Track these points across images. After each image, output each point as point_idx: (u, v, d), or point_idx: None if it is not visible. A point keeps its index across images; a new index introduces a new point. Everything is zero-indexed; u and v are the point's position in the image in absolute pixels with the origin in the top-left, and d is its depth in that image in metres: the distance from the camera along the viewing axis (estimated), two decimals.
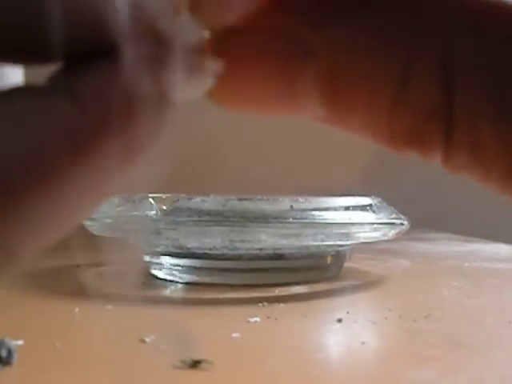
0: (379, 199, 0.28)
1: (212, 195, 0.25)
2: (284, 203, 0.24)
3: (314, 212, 0.24)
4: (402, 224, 0.27)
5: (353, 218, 0.25)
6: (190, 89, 0.09)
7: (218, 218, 0.24)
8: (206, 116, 0.77)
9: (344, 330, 0.20)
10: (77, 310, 0.22)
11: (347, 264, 0.30)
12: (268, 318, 0.21)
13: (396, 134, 0.09)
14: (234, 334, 0.18)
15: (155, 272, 0.29)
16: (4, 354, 0.15)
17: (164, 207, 0.25)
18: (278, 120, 0.74)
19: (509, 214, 0.72)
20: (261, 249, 0.26)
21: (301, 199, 0.25)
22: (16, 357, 0.15)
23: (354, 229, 0.25)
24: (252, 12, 0.09)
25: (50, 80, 0.08)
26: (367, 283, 0.29)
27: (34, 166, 0.07)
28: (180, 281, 0.28)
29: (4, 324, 0.20)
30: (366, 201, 0.27)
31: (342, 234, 0.25)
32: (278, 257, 0.27)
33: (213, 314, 0.22)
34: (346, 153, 0.73)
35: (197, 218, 0.24)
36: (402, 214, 0.28)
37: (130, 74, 0.07)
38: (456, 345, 0.18)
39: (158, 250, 0.28)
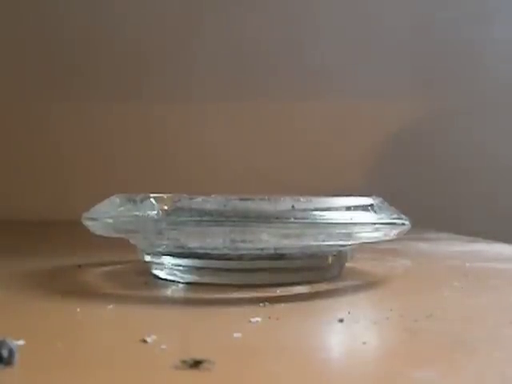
0: (381, 199, 0.28)
1: (213, 195, 0.25)
2: (285, 203, 0.24)
3: (315, 212, 0.24)
4: (403, 224, 0.27)
5: (354, 218, 0.25)
6: None
7: (220, 218, 0.24)
8: (206, 115, 0.77)
9: (345, 329, 0.20)
10: (78, 310, 0.22)
11: (348, 264, 0.30)
12: (269, 318, 0.21)
13: None
14: (236, 334, 0.18)
15: (156, 272, 0.29)
16: (5, 354, 0.15)
17: (165, 207, 0.25)
18: (280, 119, 0.74)
19: (511, 215, 0.72)
20: (262, 249, 0.26)
21: (302, 199, 0.25)
22: (17, 357, 0.15)
23: (355, 229, 0.25)
24: None
25: None
26: (368, 283, 0.29)
27: None
28: (181, 281, 0.28)
29: (5, 324, 0.20)
30: (367, 201, 0.27)
31: (344, 234, 0.25)
32: (279, 257, 0.27)
33: (214, 314, 0.22)
34: (347, 153, 0.73)
35: (198, 218, 0.24)
36: (404, 214, 0.28)
37: None
38: (457, 345, 0.18)
39: (160, 250, 0.28)
